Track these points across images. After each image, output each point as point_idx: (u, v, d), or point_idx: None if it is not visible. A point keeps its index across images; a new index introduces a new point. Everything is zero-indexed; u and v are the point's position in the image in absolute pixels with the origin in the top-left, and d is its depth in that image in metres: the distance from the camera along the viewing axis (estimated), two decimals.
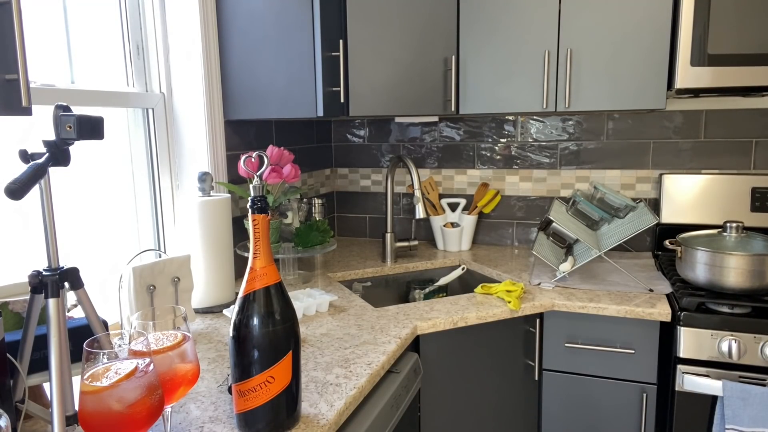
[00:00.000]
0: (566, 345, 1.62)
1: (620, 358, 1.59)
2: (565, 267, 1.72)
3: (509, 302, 1.56)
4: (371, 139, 2.43)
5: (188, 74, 1.64)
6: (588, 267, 1.91)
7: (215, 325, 1.46)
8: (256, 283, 0.87)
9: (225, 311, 1.48)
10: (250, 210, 0.87)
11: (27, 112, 0.78)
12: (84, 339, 0.77)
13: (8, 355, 0.88)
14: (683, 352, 1.48)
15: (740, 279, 1.47)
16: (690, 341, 1.47)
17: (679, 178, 1.97)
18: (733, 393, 1.37)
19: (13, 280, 1.06)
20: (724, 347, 1.44)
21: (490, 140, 2.26)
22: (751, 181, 1.89)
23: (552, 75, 1.80)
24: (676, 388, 1.49)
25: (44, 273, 0.86)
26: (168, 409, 0.89)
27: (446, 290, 2.07)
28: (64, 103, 0.84)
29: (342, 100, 1.73)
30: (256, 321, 0.87)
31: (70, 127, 0.82)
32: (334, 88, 1.69)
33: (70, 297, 0.95)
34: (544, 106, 1.81)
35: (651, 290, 1.65)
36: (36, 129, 1.25)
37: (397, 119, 2.34)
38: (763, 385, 1.39)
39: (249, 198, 0.87)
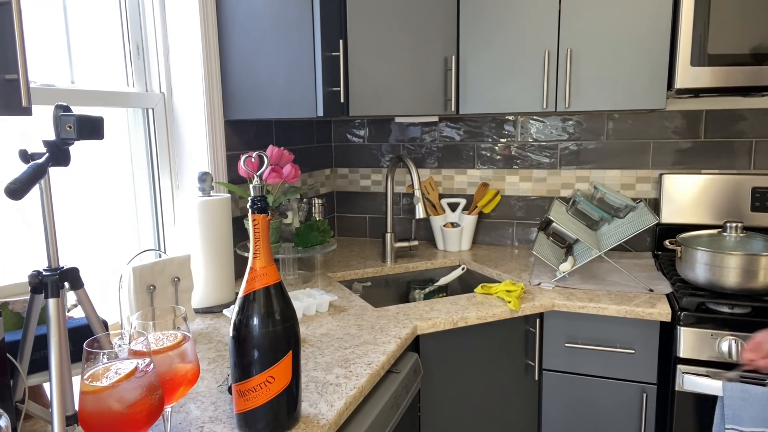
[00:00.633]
0: (566, 345, 1.62)
1: (620, 358, 1.59)
2: (565, 267, 1.72)
3: (509, 302, 1.55)
4: (371, 139, 2.43)
5: (188, 74, 1.64)
6: (588, 267, 1.91)
7: (215, 325, 1.46)
8: (256, 283, 0.87)
9: (225, 311, 1.48)
10: (250, 210, 0.87)
11: (27, 112, 0.78)
12: (84, 339, 0.77)
13: (8, 355, 0.88)
14: (683, 352, 1.48)
15: (740, 279, 1.47)
16: (690, 341, 1.47)
17: (679, 178, 1.97)
18: (733, 393, 1.37)
19: (13, 280, 1.06)
20: (724, 347, 1.44)
21: (490, 140, 2.26)
22: (751, 181, 1.89)
23: (552, 75, 1.80)
24: (676, 388, 1.49)
25: (44, 273, 0.86)
26: (168, 409, 0.89)
27: (446, 290, 2.07)
28: (64, 103, 0.84)
29: (342, 100, 1.73)
30: (256, 321, 0.87)
31: (70, 127, 0.82)
32: (334, 88, 1.69)
33: (70, 297, 0.95)
34: (544, 106, 1.81)
35: (651, 290, 1.65)
36: (36, 129, 1.25)
37: (397, 119, 2.34)
38: (763, 385, 1.39)
39: (249, 198, 0.87)
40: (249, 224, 0.89)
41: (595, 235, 1.90)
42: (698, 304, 1.50)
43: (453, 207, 2.25)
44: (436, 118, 2.31)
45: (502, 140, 2.24)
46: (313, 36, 1.60)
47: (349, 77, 1.77)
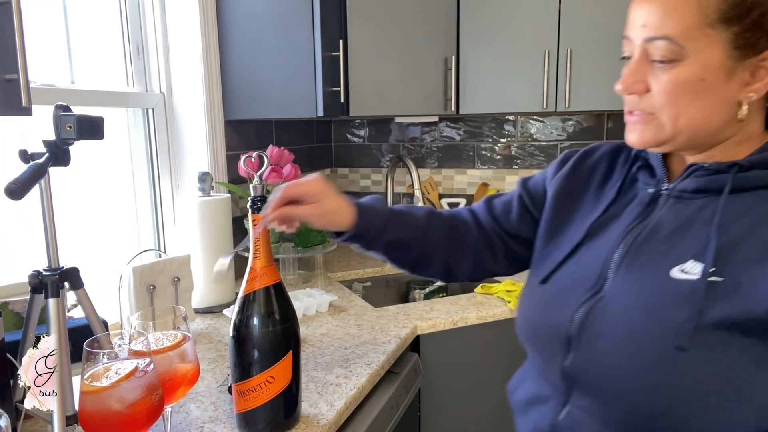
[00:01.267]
0: None
1: None
2: None
3: (509, 302, 1.55)
4: (371, 139, 2.43)
5: (188, 74, 1.64)
6: None
7: (215, 325, 1.46)
8: (256, 283, 0.87)
9: (225, 311, 1.48)
10: (250, 210, 0.87)
11: (27, 112, 0.78)
12: (84, 339, 0.77)
13: (8, 355, 0.88)
14: None
15: None
16: None
17: None
18: None
19: (13, 280, 1.06)
20: None
21: (490, 140, 2.26)
22: None
23: (552, 75, 1.80)
24: None
25: (44, 273, 0.86)
26: (168, 409, 0.89)
27: (446, 290, 2.07)
28: (64, 103, 0.84)
29: (342, 100, 1.73)
30: (256, 321, 0.87)
31: (70, 127, 0.82)
32: (334, 88, 1.69)
33: (70, 297, 0.95)
34: (544, 106, 1.81)
35: None
36: (36, 129, 1.25)
37: (397, 119, 2.34)
38: None
39: (249, 198, 0.87)
40: (249, 224, 0.88)
41: None
42: None
43: (453, 207, 2.25)
44: (436, 118, 2.31)
45: (502, 140, 2.24)
46: (313, 36, 1.60)
47: (349, 77, 1.76)
